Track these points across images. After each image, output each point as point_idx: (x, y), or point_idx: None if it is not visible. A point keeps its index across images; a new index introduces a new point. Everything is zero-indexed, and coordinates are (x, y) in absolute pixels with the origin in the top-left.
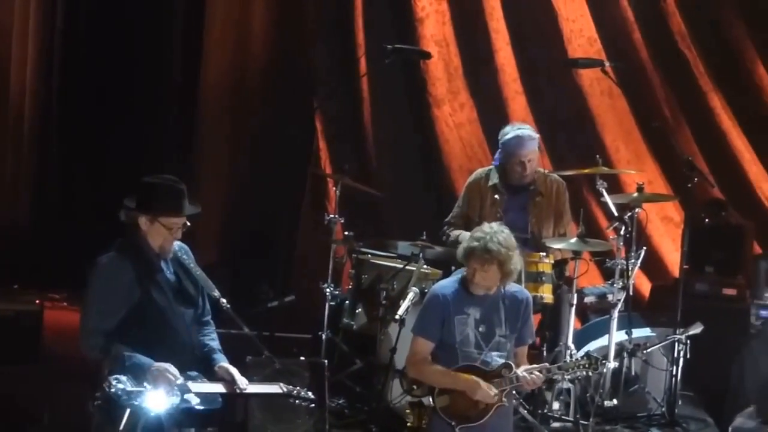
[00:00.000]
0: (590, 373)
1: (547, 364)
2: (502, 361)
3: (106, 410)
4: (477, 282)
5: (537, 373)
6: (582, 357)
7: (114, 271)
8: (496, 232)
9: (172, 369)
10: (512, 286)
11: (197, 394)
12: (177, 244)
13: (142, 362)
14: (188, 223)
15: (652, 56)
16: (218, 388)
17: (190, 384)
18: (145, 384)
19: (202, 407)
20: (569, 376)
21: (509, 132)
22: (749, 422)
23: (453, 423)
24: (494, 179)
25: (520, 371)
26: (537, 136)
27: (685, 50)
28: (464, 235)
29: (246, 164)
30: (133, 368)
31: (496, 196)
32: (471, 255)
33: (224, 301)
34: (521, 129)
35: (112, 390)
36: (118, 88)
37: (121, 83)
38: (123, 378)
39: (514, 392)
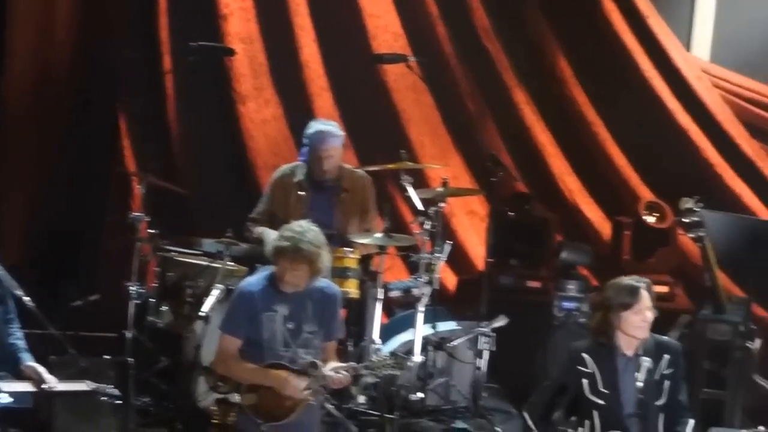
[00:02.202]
0: (397, 372)
1: (354, 363)
2: (310, 358)
3: None
4: (287, 281)
5: (344, 372)
6: (388, 356)
7: None
8: (305, 230)
9: None
10: (321, 282)
11: (10, 394)
12: None
13: None
14: None
15: (457, 51)
16: (26, 386)
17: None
18: None
19: (14, 405)
20: (375, 375)
21: (312, 127)
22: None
23: (259, 421)
24: (300, 175)
25: (327, 370)
26: (341, 134)
27: (489, 45)
28: (268, 232)
29: (50, 163)
30: None
31: (301, 192)
32: (281, 254)
33: (28, 299)
34: (325, 125)
35: None
36: None
37: None
38: None
39: (320, 389)
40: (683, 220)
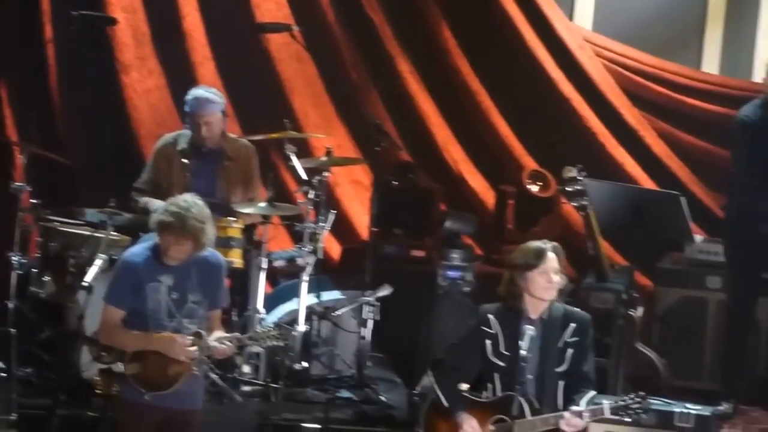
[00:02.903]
0: (280, 342)
1: (238, 333)
2: (195, 328)
3: None
4: (171, 255)
5: (228, 342)
6: (272, 326)
7: None
8: (190, 205)
9: None
10: (205, 251)
11: None
12: None
13: None
14: None
15: (340, 20)
16: None
17: None
18: None
19: None
20: (260, 345)
21: (191, 93)
22: None
23: (143, 391)
24: (182, 144)
25: (212, 341)
26: (221, 100)
27: (372, 14)
28: (153, 202)
29: None
30: None
31: (184, 161)
32: (166, 230)
33: None
34: (204, 91)
35: None
36: None
37: None
38: None
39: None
40: (566, 188)
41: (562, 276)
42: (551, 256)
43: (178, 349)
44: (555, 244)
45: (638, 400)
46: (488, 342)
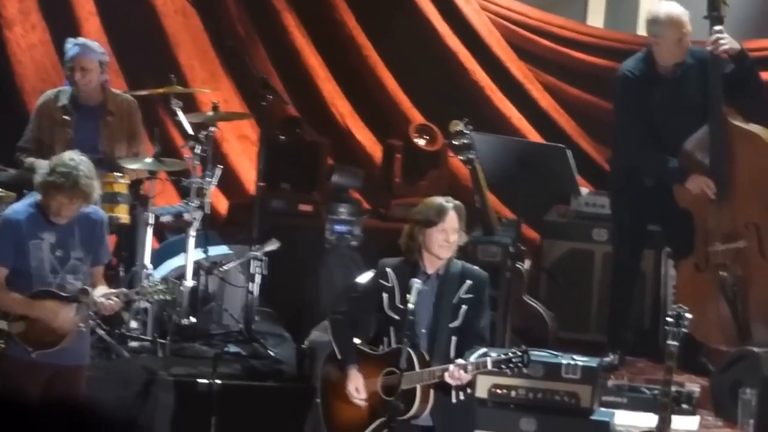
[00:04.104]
0: (168, 297)
1: (124, 289)
2: (79, 284)
3: None
4: (63, 215)
5: (114, 298)
6: (159, 281)
7: None
8: (78, 163)
9: None
10: (87, 207)
11: None
12: None
13: None
14: None
15: None
16: None
17: None
18: None
19: None
20: (147, 300)
21: (69, 42)
22: (324, 336)
23: (30, 349)
24: (64, 100)
25: (98, 296)
26: (100, 50)
27: None
28: (39, 163)
29: None
30: None
31: (66, 117)
32: (57, 190)
33: None
34: (81, 39)
35: None
36: None
37: None
38: None
39: (91, 314)
40: (453, 142)
41: (461, 235)
42: (452, 214)
43: (60, 321)
44: (458, 203)
45: (520, 354)
46: (385, 295)
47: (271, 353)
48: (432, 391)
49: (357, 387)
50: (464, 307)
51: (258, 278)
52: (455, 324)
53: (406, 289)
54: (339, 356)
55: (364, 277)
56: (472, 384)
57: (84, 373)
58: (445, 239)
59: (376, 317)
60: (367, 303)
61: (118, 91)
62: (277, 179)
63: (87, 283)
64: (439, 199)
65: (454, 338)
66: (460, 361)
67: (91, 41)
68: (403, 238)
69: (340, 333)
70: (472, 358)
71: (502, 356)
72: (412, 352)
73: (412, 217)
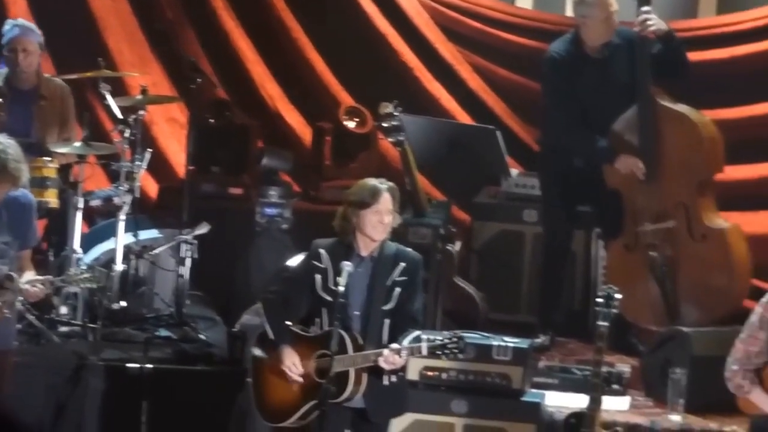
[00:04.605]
0: (93, 285)
1: (51, 276)
2: (5, 269)
3: None
4: None
5: (40, 285)
6: (85, 268)
7: None
8: (6, 146)
9: None
10: (15, 191)
11: None
12: None
13: None
14: None
15: None
16: None
17: None
18: None
19: None
20: (74, 287)
21: (8, 23)
22: (255, 319)
23: None
24: None
25: (23, 283)
26: (39, 32)
27: None
28: None
29: None
30: None
31: None
32: None
33: None
34: (21, 20)
35: None
36: None
37: None
38: None
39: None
40: (383, 124)
41: (396, 216)
42: (386, 196)
43: None
44: (392, 185)
45: (455, 340)
46: (318, 276)
47: (201, 337)
48: (365, 375)
49: (294, 362)
50: (398, 289)
51: (188, 262)
52: (388, 306)
53: (339, 270)
54: (272, 336)
55: (295, 260)
56: (403, 366)
57: (10, 359)
58: (379, 220)
59: (308, 298)
60: (299, 284)
61: (50, 76)
62: (206, 162)
63: (13, 268)
64: (373, 181)
65: (387, 321)
66: (394, 345)
67: (29, 23)
68: (337, 219)
69: (273, 313)
70: (406, 342)
71: (438, 342)
72: (345, 335)
73: (346, 199)
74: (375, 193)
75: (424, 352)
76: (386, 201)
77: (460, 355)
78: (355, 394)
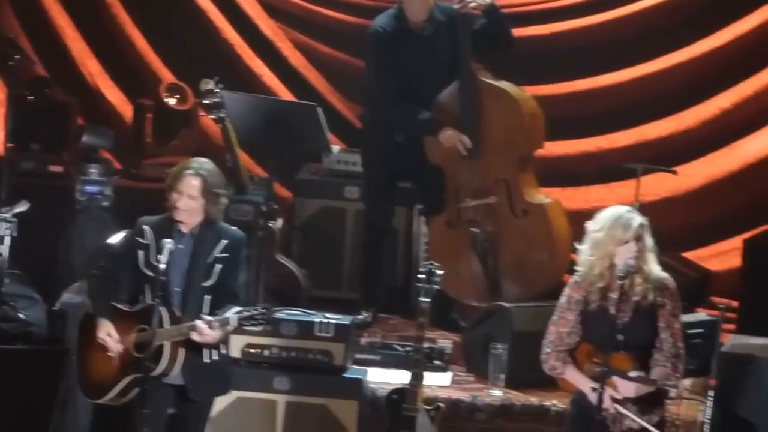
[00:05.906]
0: None
1: None
2: None
3: None
4: None
5: None
6: None
7: None
8: None
9: None
10: None
11: None
12: None
13: None
14: None
15: None
16: None
17: None
18: None
19: None
20: None
21: None
22: (76, 297)
23: None
24: None
25: None
26: None
27: None
28: None
29: None
30: None
31: None
32: None
33: None
34: None
35: None
36: None
37: None
38: None
39: None
40: (204, 101)
41: (201, 200)
42: (188, 180)
43: None
44: (204, 168)
45: (262, 310)
46: (141, 253)
47: (21, 316)
48: (182, 350)
49: (109, 332)
50: (218, 266)
51: (7, 240)
52: (209, 283)
53: (161, 247)
54: (93, 311)
55: (117, 238)
56: (226, 343)
57: None
58: (175, 202)
59: (132, 275)
60: (122, 260)
61: None
62: (25, 140)
63: None
64: (187, 164)
65: (207, 297)
66: (206, 317)
67: None
68: (165, 198)
69: (96, 289)
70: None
71: (246, 313)
72: (163, 310)
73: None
74: (177, 176)
75: (234, 323)
76: (187, 185)
77: (269, 326)
78: (170, 370)
